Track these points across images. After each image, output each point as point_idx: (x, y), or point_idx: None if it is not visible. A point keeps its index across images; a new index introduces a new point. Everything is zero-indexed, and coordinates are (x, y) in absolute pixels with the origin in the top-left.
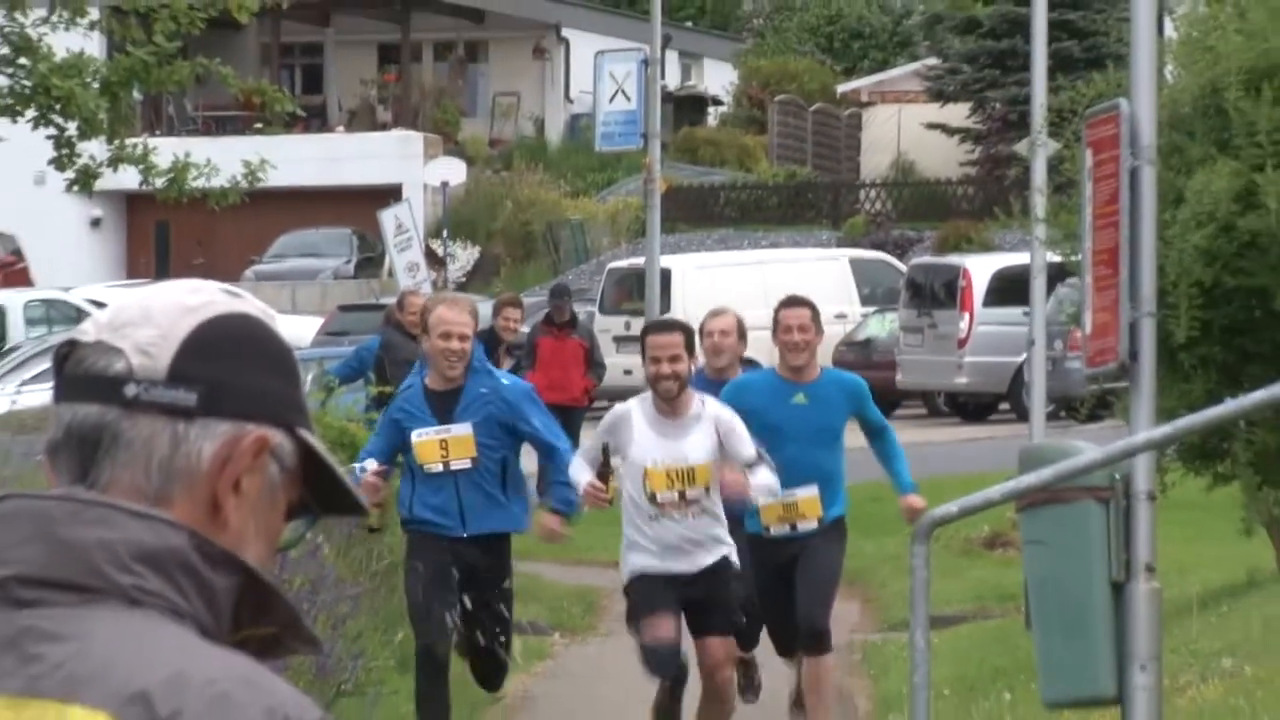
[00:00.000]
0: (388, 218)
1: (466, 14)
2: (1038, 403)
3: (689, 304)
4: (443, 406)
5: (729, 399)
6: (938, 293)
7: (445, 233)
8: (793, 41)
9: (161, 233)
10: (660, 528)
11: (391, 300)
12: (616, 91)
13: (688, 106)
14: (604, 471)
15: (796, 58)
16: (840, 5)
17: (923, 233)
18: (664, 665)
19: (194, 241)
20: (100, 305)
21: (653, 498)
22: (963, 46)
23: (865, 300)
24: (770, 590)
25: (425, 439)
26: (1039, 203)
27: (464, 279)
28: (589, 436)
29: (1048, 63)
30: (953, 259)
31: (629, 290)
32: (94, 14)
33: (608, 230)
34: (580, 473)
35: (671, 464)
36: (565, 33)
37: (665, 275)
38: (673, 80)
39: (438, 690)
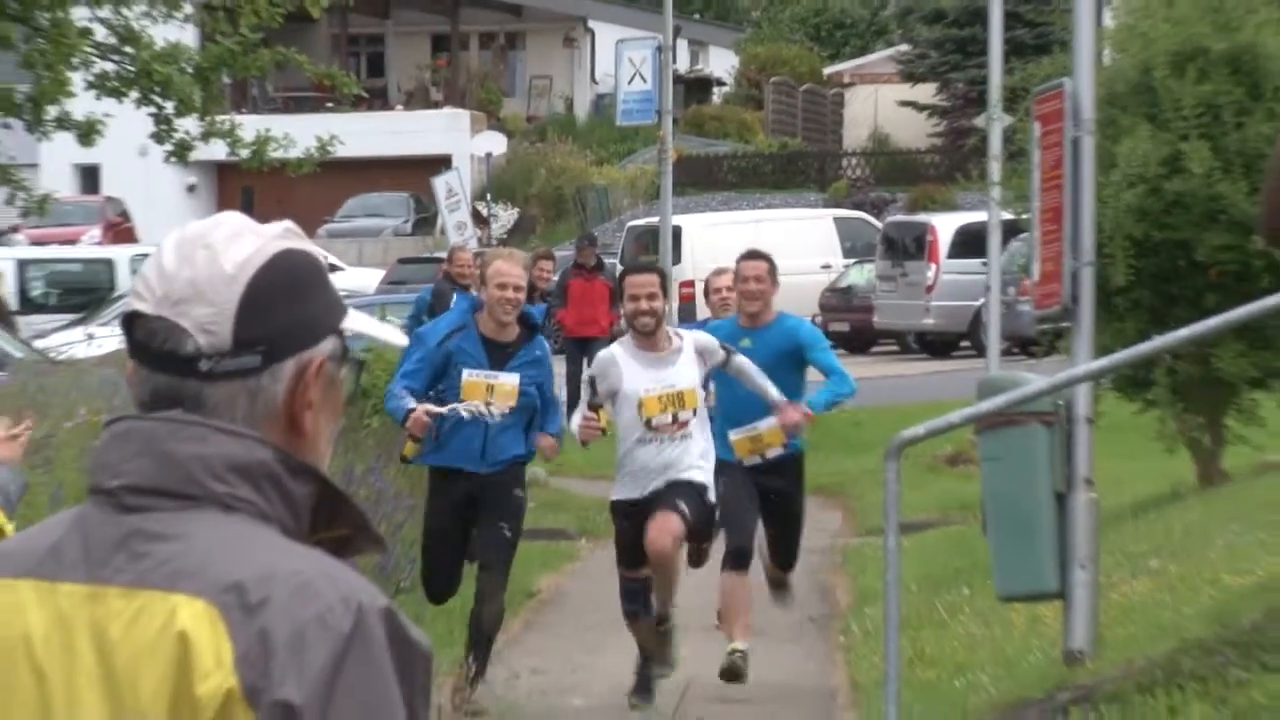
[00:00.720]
0: (440, 184)
1: (507, 8)
2: (993, 340)
3: (697, 256)
4: (498, 356)
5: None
6: (908, 246)
7: (489, 196)
8: (785, 31)
9: (246, 197)
10: (649, 452)
11: (443, 254)
12: (634, 74)
13: (695, 87)
14: (594, 403)
15: (788, 45)
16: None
17: (896, 195)
18: (635, 602)
19: (274, 204)
20: None
21: (648, 423)
22: (930, 34)
23: (847, 253)
24: (737, 498)
25: (474, 380)
26: (995, 169)
27: (505, 236)
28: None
29: (1003, 48)
30: (921, 217)
31: (646, 245)
32: (188, 8)
33: (627, 193)
34: (576, 417)
35: (662, 390)
36: (591, 24)
37: (676, 231)
38: (682, 64)
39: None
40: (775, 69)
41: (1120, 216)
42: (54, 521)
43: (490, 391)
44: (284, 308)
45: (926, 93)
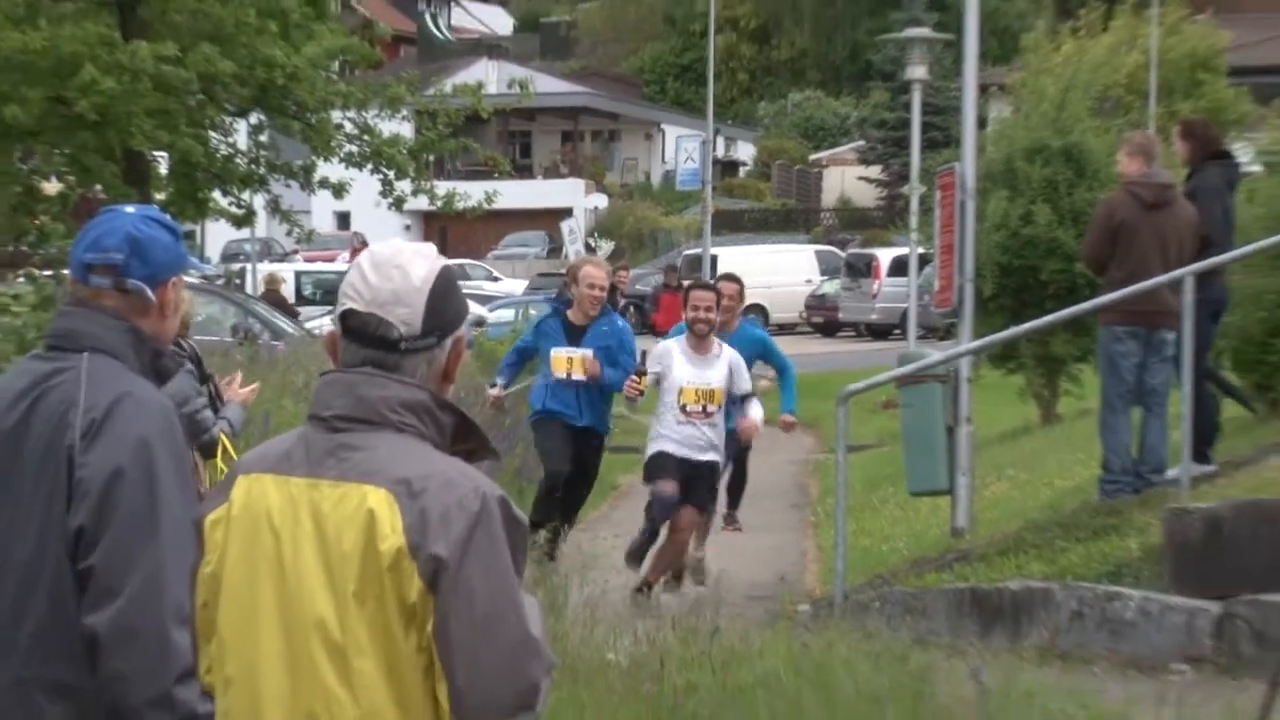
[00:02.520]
0: (565, 226)
1: (609, 115)
2: (912, 329)
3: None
4: (575, 334)
5: (675, 336)
6: (861, 269)
7: (595, 234)
8: (786, 132)
9: (442, 234)
10: (684, 430)
11: (562, 269)
12: (688, 158)
13: (728, 167)
14: (640, 370)
15: (788, 140)
16: (811, 111)
17: (854, 236)
18: (664, 509)
19: (460, 239)
20: None
21: (683, 408)
22: (877, 135)
23: (822, 273)
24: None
25: (559, 355)
26: (914, 220)
27: (611, 260)
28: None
29: (921, 144)
30: (870, 250)
31: (694, 266)
32: (405, 112)
33: (683, 234)
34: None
35: (700, 385)
36: (662, 126)
37: (714, 258)
38: (720, 151)
39: (552, 497)
40: (779, 155)
41: (990, 250)
42: (284, 437)
43: (570, 363)
44: (448, 305)
45: (874, 172)
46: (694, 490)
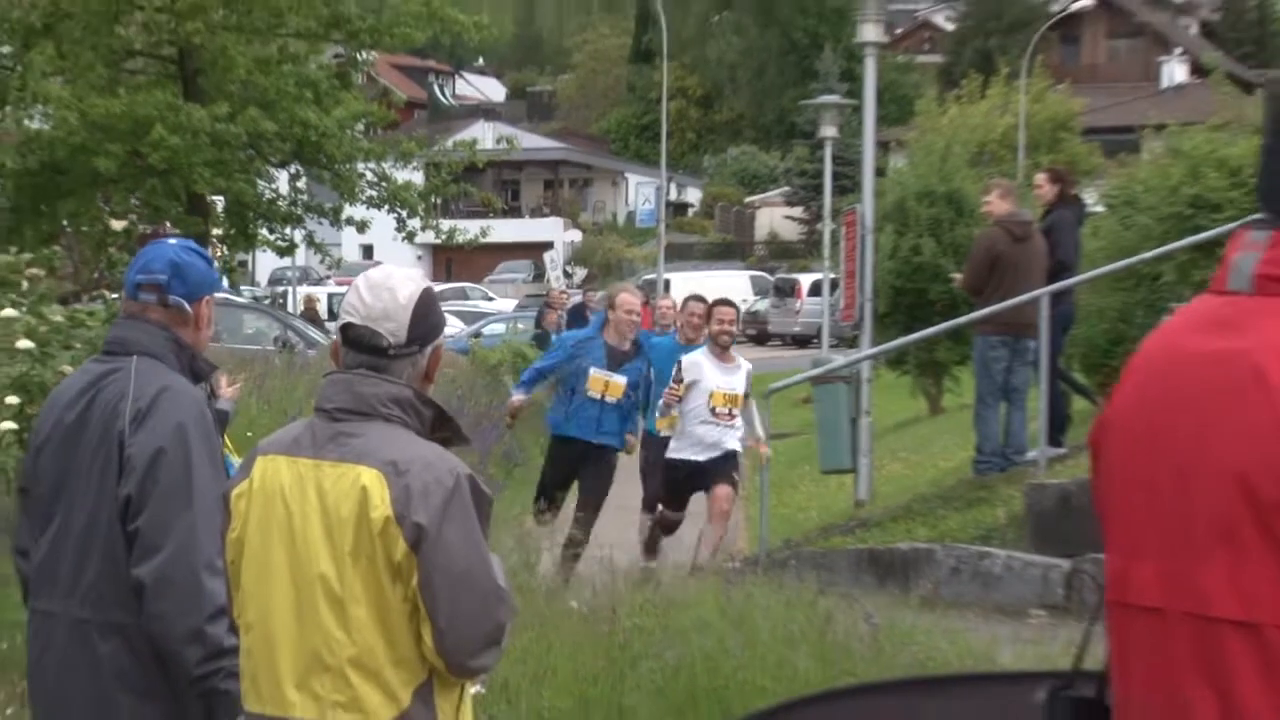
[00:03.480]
0: (547, 256)
1: (583, 166)
2: (825, 339)
3: (678, 296)
4: (617, 359)
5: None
6: (787, 290)
7: (571, 263)
8: (727, 179)
9: (448, 262)
10: (708, 430)
11: (543, 291)
12: (646, 201)
13: (679, 208)
14: (679, 378)
15: (728, 186)
16: (746, 162)
17: (781, 264)
18: (670, 530)
19: (462, 266)
20: None
21: (713, 410)
22: (800, 181)
23: (755, 293)
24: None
25: (598, 376)
26: (827, 251)
27: (579, 285)
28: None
29: (832, 188)
30: (793, 275)
31: (653, 288)
32: (416, 163)
33: (643, 262)
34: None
35: (728, 390)
36: (626, 175)
37: (668, 281)
38: (672, 196)
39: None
40: (720, 199)
41: (886, 275)
42: (295, 425)
43: (606, 387)
44: (428, 320)
45: (797, 211)
46: (722, 472)
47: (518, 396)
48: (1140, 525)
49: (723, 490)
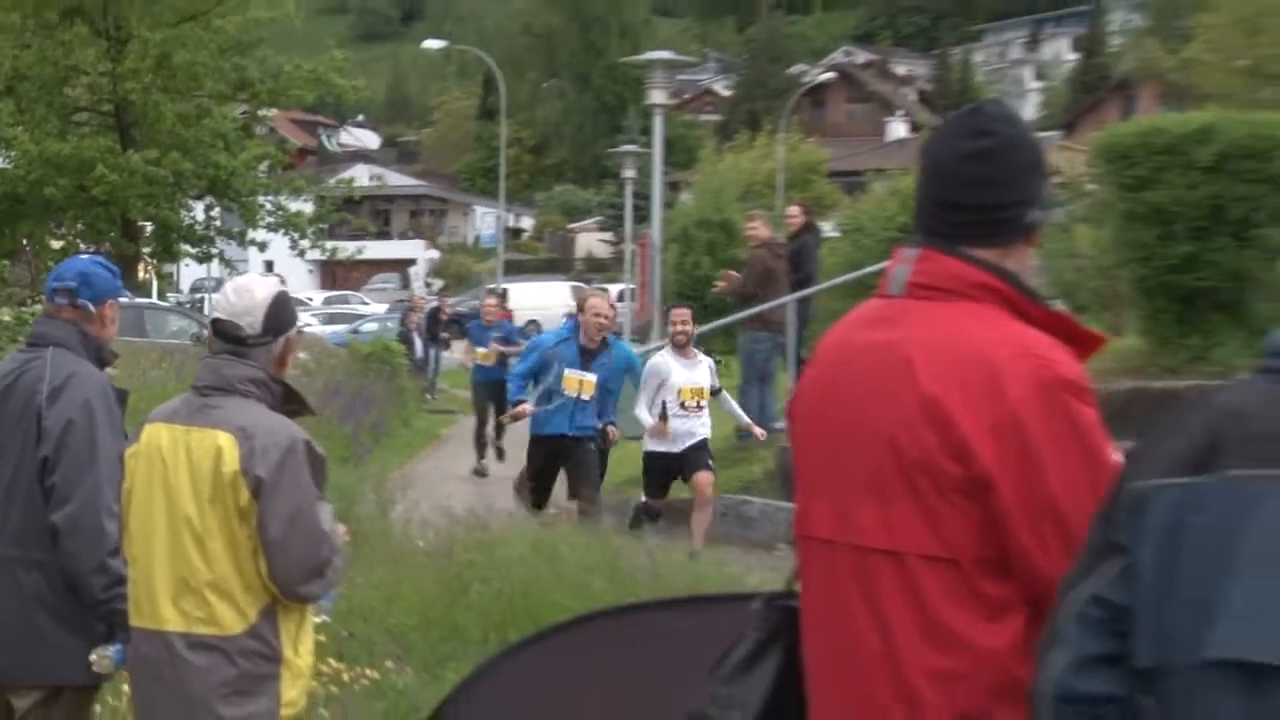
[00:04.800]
0: (412, 271)
1: (440, 199)
2: (626, 333)
3: (516, 301)
4: (588, 359)
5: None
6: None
7: (430, 275)
8: (554, 210)
9: (334, 274)
10: (680, 422)
11: (408, 296)
12: (491, 226)
13: (515, 232)
14: (664, 415)
15: (556, 216)
16: (569, 197)
17: (595, 276)
18: (653, 518)
19: (345, 278)
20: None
21: (682, 404)
22: (610, 212)
23: (575, 300)
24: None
25: (571, 376)
26: (628, 265)
27: (436, 293)
28: (646, 390)
29: (634, 218)
30: (604, 285)
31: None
32: (307, 196)
33: (488, 275)
34: (644, 413)
35: (693, 384)
36: (474, 206)
37: (505, 290)
38: (510, 223)
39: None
40: (548, 225)
41: (672, 284)
42: (175, 399)
43: (581, 385)
44: (280, 316)
45: (608, 236)
46: (699, 459)
47: (524, 405)
48: (817, 475)
49: (703, 477)
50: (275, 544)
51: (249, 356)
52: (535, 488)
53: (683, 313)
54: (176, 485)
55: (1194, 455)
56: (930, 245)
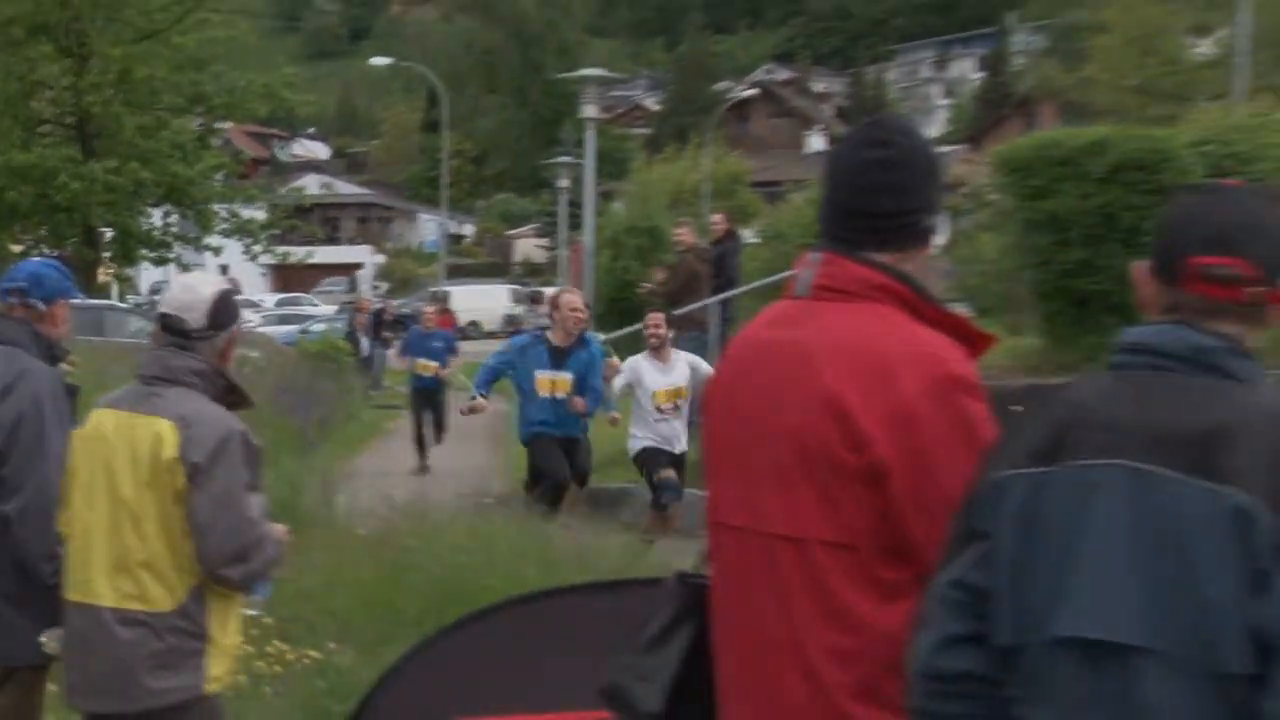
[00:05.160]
0: (359, 275)
1: (386, 207)
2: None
3: (458, 304)
4: (558, 357)
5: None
6: (537, 299)
7: (377, 279)
8: (494, 217)
9: (286, 277)
10: (659, 426)
11: (355, 298)
12: (434, 233)
13: (457, 238)
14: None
15: (495, 223)
16: (508, 205)
17: (531, 280)
18: (675, 491)
19: (299, 282)
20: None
21: (659, 407)
22: (546, 219)
23: (514, 301)
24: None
25: (543, 376)
26: (562, 269)
27: (382, 295)
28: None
29: (569, 225)
30: (541, 288)
31: (441, 299)
32: (260, 204)
33: (431, 279)
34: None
35: (668, 387)
36: (419, 215)
37: (448, 293)
38: (453, 229)
39: (553, 493)
40: (489, 232)
41: (603, 287)
42: (125, 388)
43: (553, 385)
44: (223, 312)
45: (545, 242)
46: (675, 461)
47: (478, 399)
48: (727, 464)
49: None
50: (201, 526)
51: (193, 349)
52: (547, 485)
53: (655, 317)
54: (117, 468)
55: (1044, 447)
56: (833, 250)
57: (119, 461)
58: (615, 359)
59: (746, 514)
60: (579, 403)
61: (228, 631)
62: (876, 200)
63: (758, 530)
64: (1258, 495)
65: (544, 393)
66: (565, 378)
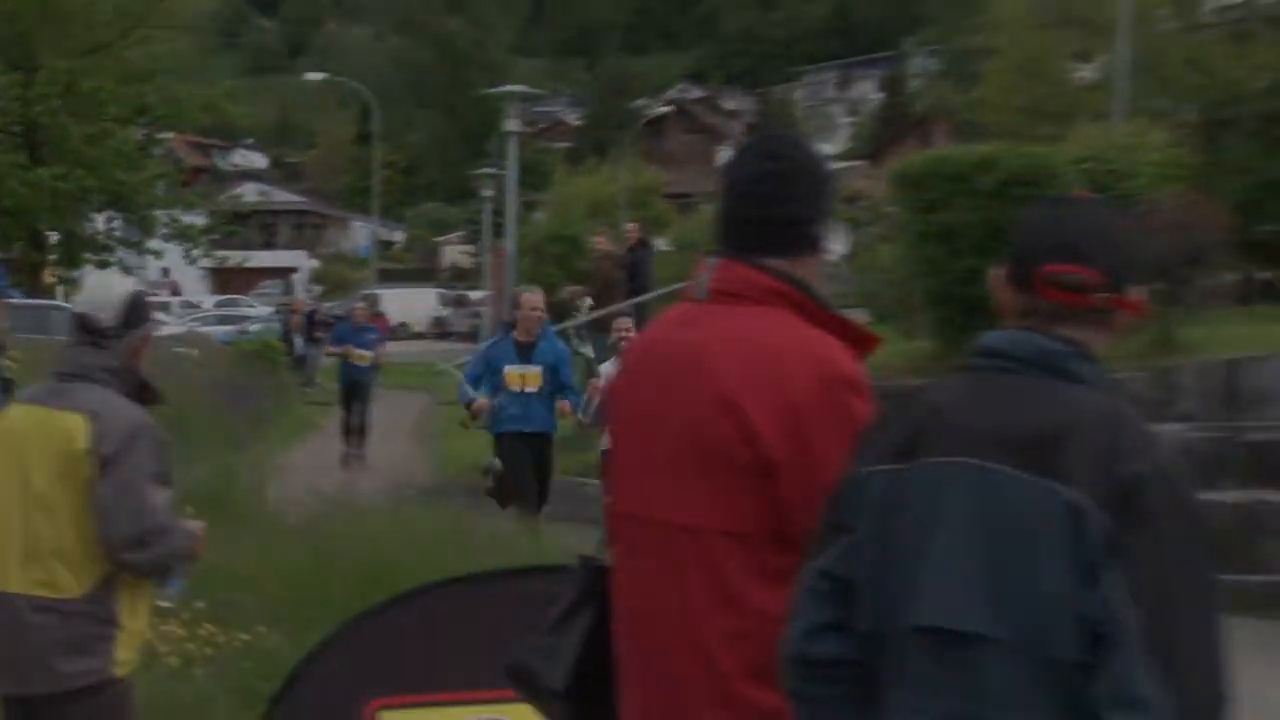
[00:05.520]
0: (294, 278)
1: (321, 215)
2: (485, 334)
3: (390, 307)
4: (525, 352)
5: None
6: (463, 302)
7: (311, 282)
8: (423, 225)
9: (225, 281)
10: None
11: (290, 300)
12: (366, 240)
13: (387, 245)
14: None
15: (424, 230)
16: (437, 213)
17: (458, 284)
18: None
19: (241, 283)
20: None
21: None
22: (472, 226)
23: (441, 304)
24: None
25: (512, 371)
26: (486, 274)
27: (316, 298)
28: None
29: (492, 232)
30: (466, 292)
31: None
32: (201, 212)
33: (363, 282)
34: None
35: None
36: (352, 221)
37: (379, 296)
38: (384, 236)
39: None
40: (418, 239)
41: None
42: (42, 385)
43: (523, 379)
44: (135, 312)
45: (471, 248)
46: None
47: (478, 401)
48: (627, 457)
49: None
50: (103, 511)
51: (105, 347)
52: (518, 483)
53: (624, 321)
54: (31, 460)
55: (902, 444)
56: (729, 256)
57: (32, 454)
58: (598, 380)
59: (644, 504)
60: (565, 406)
61: (138, 618)
62: (769, 209)
63: (655, 519)
64: (1087, 492)
65: (514, 387)
66: (535, 371)
